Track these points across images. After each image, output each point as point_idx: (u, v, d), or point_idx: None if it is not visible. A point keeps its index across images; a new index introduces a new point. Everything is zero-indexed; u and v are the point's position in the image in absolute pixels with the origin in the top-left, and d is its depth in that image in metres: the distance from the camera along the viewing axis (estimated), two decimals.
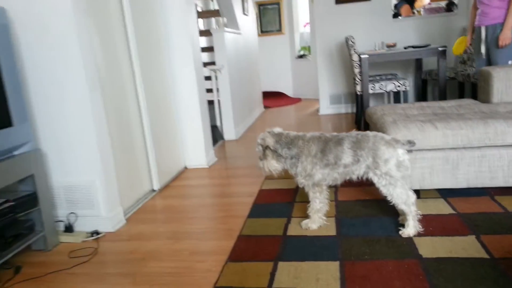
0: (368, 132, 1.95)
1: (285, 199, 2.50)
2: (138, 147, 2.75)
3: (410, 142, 1.90)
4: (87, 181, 2.24)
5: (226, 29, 4.52)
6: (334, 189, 2.57)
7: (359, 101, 4.41)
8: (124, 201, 2.49)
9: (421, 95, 5.06)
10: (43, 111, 2.19)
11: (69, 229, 2.25)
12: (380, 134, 1.94)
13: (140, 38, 2.78)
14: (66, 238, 2.21)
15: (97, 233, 2.23)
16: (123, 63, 2.63)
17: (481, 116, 2.39)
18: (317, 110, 5.88)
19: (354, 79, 4.39)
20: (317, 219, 2.04)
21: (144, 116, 2.80)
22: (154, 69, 3.00)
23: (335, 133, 2.00)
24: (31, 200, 2.07)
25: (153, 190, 2.89)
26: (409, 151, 2.05)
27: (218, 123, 4.58)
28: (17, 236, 2.01)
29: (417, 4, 6.25)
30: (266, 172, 2.04)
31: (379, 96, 5.42)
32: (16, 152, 2.02)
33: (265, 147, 1.99)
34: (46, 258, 2.04)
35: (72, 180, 2.26)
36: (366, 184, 2.25)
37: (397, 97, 4.53)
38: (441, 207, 2.18)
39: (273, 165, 2.00)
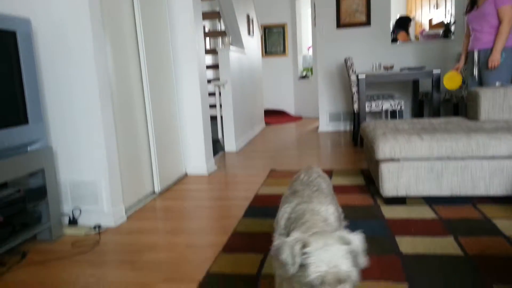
0: None
1: (278, 203, 2.63)
2: (142, 151, 2.91)
3: None
4: (93, 178, 2.39)
5: (232, 47, 4.74)
6: None
7: (356, 119, 4.57)
8: (126, 200, 2.63)
9: (417, 115, 5.22)
10: (57, 113, 2.37)
11: (73, 222, 2.39)
12: None
13: (150, 51, 2.98)
14: (70, 230, 2.34)
15: (99, 227, 2.36)
16: (133, 73, 2.82)
17: (466, 131, 2.54)
18: (317, 128, 6.04)
19: (352, 98, 4.57)
20: None
21: (150, 123, 2.97)
22: (161, 81, 3.19)
23: None
24: (40, 192, 2.22)
25: (154, 192, 3.02)
26: (395, 160, 2.16)
27: (220, 136, 4.74)
28: (25, 225, 2.15)
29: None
30: None
31: (376, 114, 5.59)
32: (29, 148, 2.18)
33: None
34: (51, 247, 2.17)
35: (79, 177, 2.41)
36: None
37: (393, 116, 4.69)
38: (425, 213, 2.31)
39: None
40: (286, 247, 0.93)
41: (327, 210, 1.19)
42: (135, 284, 1.72)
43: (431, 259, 1.75)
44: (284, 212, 1.24)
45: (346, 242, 0.92)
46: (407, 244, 1.89)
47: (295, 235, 0.97)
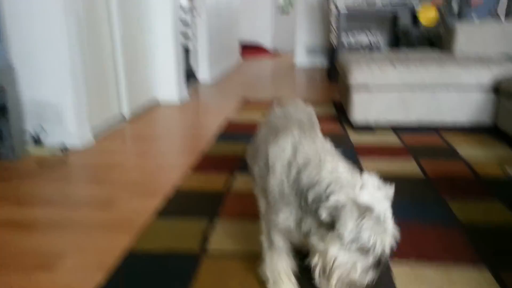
0: None
1: (251, 130, 2.63)
2: (109, 71, 2.79)
3: None
4: (57, 97, 2.30)
5: None
6: None
7: (333, 53, 4.50)
8: (93, 121, 2.55)
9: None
10: (17, 30, 2.21)
11: (38, 142, 2.32)
12: None
13: None
14: (35, 150, 2.28)
15: (65, 147, 2.31)
16: None
17: (438, 61, 2.54)
18: (293, 63, 5.95)
19: (330, 32, 4.46)
20: None
21: (117, 43, 2.83)
22: (130, 2, 3.00)
23: None
24: (1, 111, 2.12)
25: (123, 117, 2.94)
26: (367, 89, 2.18)
27: (194, 67, 4.61)
28: None
29: None
30: None
31: (354, 51, 5.51)
32: None
33: None
34: (15, 166, 2.12)
35: (43, 96, 2.31)
36: None
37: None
38: (391, 140, 2.36)
39: None
40: (349, 217, 0.81)
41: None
42: (102, 199, 1.72)
43: (392, 179, 1.79)
44: (281, 156, 1.01)
45: (386, 193, 0.87)
46: (371, 166, 1.95)
47: (342, 197, 0.83)
